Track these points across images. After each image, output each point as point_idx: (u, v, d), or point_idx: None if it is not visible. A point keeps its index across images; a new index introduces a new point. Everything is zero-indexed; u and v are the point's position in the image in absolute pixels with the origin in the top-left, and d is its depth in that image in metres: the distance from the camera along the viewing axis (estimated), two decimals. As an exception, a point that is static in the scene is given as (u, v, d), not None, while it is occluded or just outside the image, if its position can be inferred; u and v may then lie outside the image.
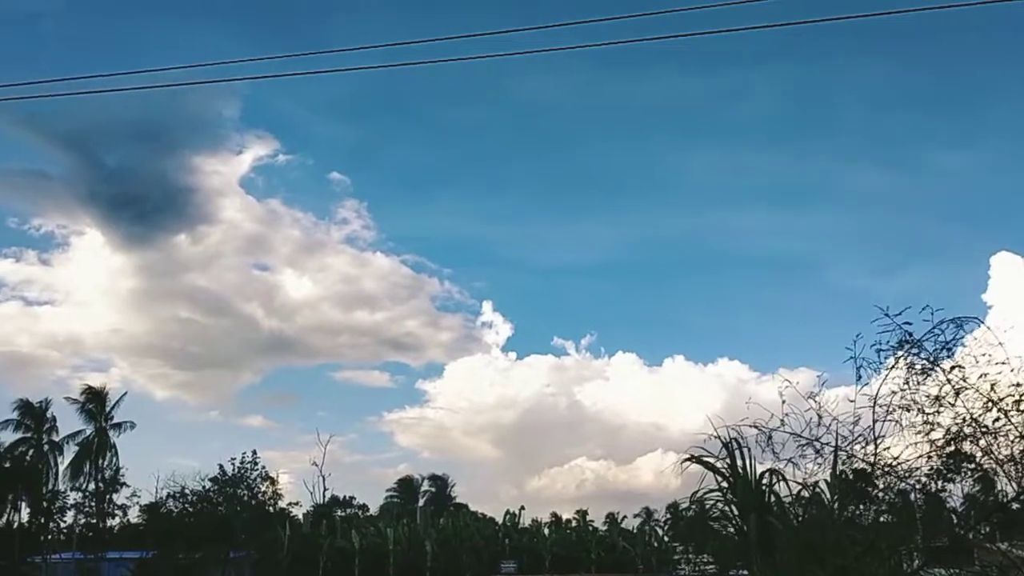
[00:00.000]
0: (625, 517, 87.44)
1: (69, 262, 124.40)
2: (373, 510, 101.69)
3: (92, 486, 69.34)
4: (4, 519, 66.26)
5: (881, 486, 12.86)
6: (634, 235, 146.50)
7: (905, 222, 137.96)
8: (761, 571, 13.59)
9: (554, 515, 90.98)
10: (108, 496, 69.09)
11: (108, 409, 71.46)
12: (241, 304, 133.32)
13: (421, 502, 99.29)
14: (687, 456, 14.47)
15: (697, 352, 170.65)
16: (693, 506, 15.62)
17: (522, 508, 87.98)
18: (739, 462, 14.19)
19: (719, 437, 14.21)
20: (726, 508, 14.73)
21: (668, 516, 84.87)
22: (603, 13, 12.19)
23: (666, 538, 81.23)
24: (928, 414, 11.71)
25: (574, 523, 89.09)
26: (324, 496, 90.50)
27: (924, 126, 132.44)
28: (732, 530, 15.03)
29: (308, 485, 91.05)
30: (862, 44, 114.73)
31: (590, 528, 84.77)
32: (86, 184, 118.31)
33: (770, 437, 13.10)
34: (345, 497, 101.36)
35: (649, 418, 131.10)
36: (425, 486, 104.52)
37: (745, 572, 15.35)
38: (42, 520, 67.98)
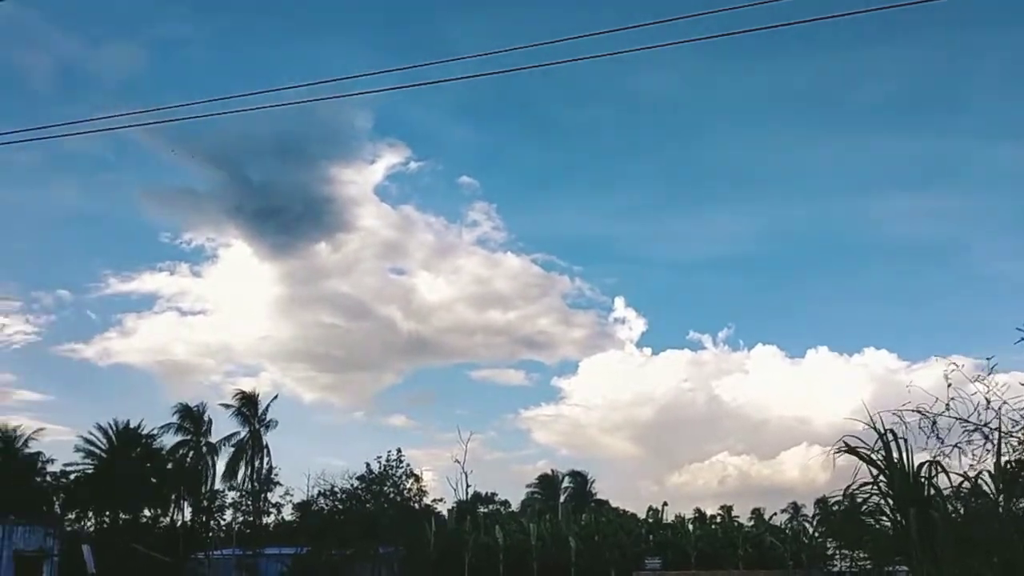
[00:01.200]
0: (775, 514, 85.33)
1: (218, 273, 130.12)
2: (515, 506, 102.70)
3: (248, 485, 72.52)
4: (169, 518, 70.07)
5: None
6: (766, 226, 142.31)
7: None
8: (921, 567, 12.97)
9: (698, 511, 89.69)
10: (263, 495, 72.09)
11: (260, 412, 74.68)
12: (380, 308, 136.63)
13: (562, 498, 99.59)
14: (839, 447, 13.92)
15: (841, 342, 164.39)
16: (845, 501, 15.05)
17: (665, 504, 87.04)
18: (895, 453, 13.57)
19: (873, 427, 13.62)
20: (881, 502, 14.12)
21: (817, 511, 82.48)
22: (718, 3, 11.95)
23: (816, 534, 78.81)
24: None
25: (719, 519, 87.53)
26: (467, 493, 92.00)
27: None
28: (888, 525, 14.40)
29: (451, 482, 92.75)
30: (992, 15, 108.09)
31: (735, 524, 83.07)
32: (232, 198, 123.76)
33: (934, 423, 12.50)
34: (487, 494, 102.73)
35: (792, 411, 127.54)
36: (566, 482, 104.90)
37: (903, 568, 14.70)
38: (203, 518, 71.48)
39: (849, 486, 13.93)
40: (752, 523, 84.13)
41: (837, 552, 78.83)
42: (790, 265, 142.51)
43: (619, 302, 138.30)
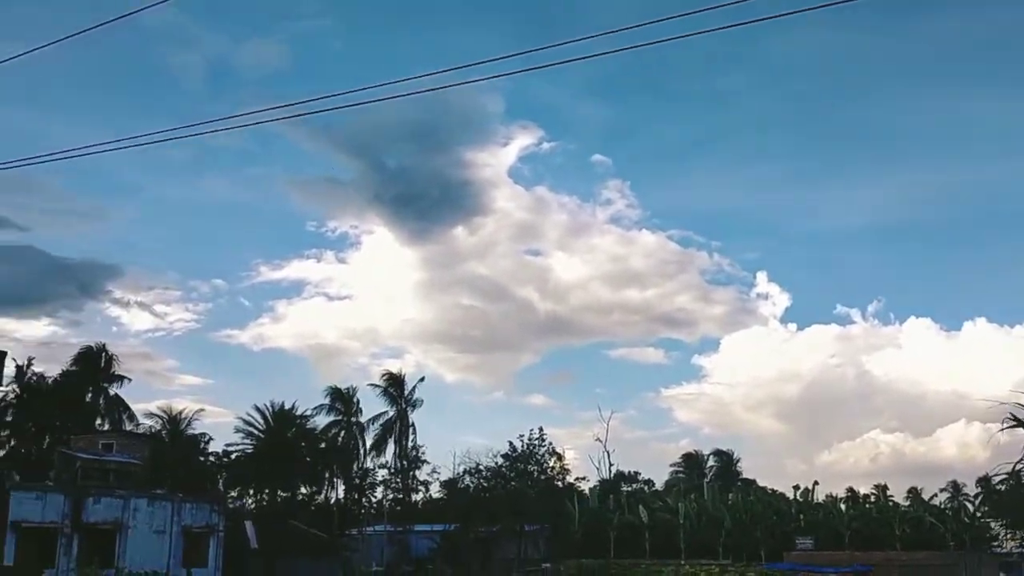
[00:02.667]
0: (935, 495, 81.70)
1: (362, 259, 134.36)
2: (658, 485, 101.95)
3: (396, 464, 74.45)
4: (323, 495, 72.66)
5: None
6: (920, 192, 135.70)
7: None
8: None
9: (850, 490, 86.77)
10: (411, 473, 73.84)
11: (407, 392, 76.51)
12: (516, 289, 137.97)
13: (707, 478, 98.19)
14: (1007, 421, 13.11)
15: (1002, 314, 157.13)
16: (1011, 478, 14.19)
17: (816, 483, 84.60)
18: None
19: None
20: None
21: (980, 490, 78.42)
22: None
23: (979, 513, 75.07)
24: None
25: (872, 498, 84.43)
26: (610, 472, 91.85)
27: None
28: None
29: (593, 460, 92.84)
30: None
31: (891, 504, 79.91)
32: (372, 186, 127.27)
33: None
34: (630, 472, 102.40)
35: (949, 386, 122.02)
36: (710, 461, 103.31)
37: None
38: (355, 495, 73.81)
39: (1018, 462, 13.13)
40: (909, 502, 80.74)
41: (1004, 532, 75.12)
42: (947, 232, 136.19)
43: (761, 277, 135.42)
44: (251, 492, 69.91)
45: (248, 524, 47.01)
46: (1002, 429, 12.16)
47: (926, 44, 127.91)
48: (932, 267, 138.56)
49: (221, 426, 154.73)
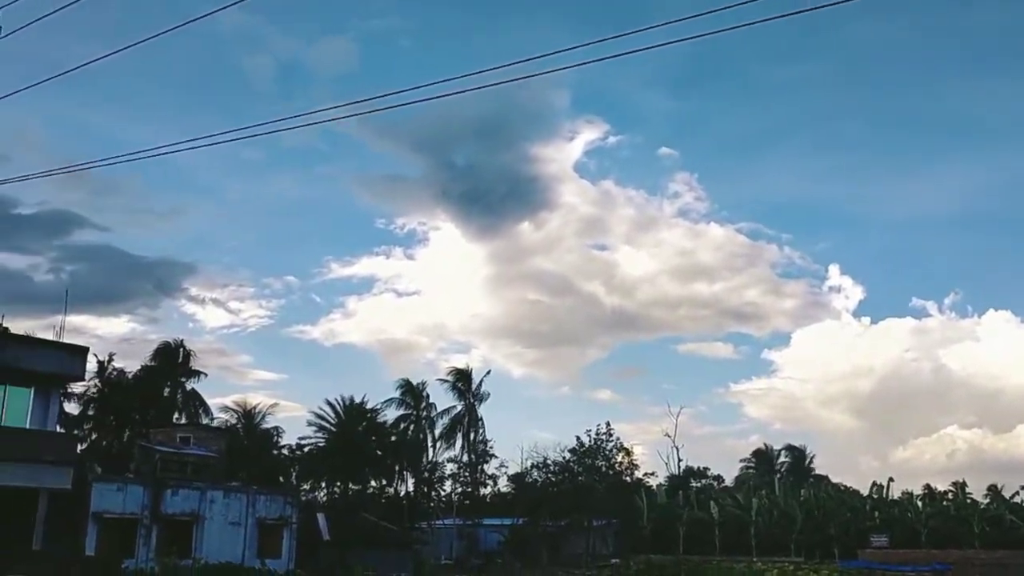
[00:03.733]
0: (1017, 493, 79.29)
1: (430, 256, 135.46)
2: (728, 481, 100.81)
3: (465, 458, 74.93)
4: (393, 488, 73.48)
5: None
6: (1001, 179, 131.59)
7: None
8: None
9: (927, 487, 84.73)
10: (480, 467, 74.26)
11: (474, 386, 76.92)
12: (583, 283, 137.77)
13: (778, 474, 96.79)
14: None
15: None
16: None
17: (891, 480, 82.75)
18: None
19: None
20: None
21: (1066, 488, 75.90)
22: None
23: (1064, 513, 72.67)
24: None
25: (950, 496, 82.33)
26: (679, 467, 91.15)
27: None
28: None
29: (661, 456, 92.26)
30: None
31: (969, 501, 77.82)
32: (439, 183, 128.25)
33: None
34: (699, 468, 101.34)
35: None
36: (782, 457, 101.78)
37: None
38: (425, 489, 74.49)
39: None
40: (988, 500, 78.49)
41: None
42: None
43: (833, 270, 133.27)
44: (323, 485, 71.08)
45: (320, 516, 47.76)
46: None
47: (1007, 28, 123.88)
48: (1011, 258, 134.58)
49: (294, 420, 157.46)
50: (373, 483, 71.78)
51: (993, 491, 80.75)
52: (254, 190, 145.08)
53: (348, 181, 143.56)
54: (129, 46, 19.12)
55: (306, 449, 69.86)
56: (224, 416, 69.10)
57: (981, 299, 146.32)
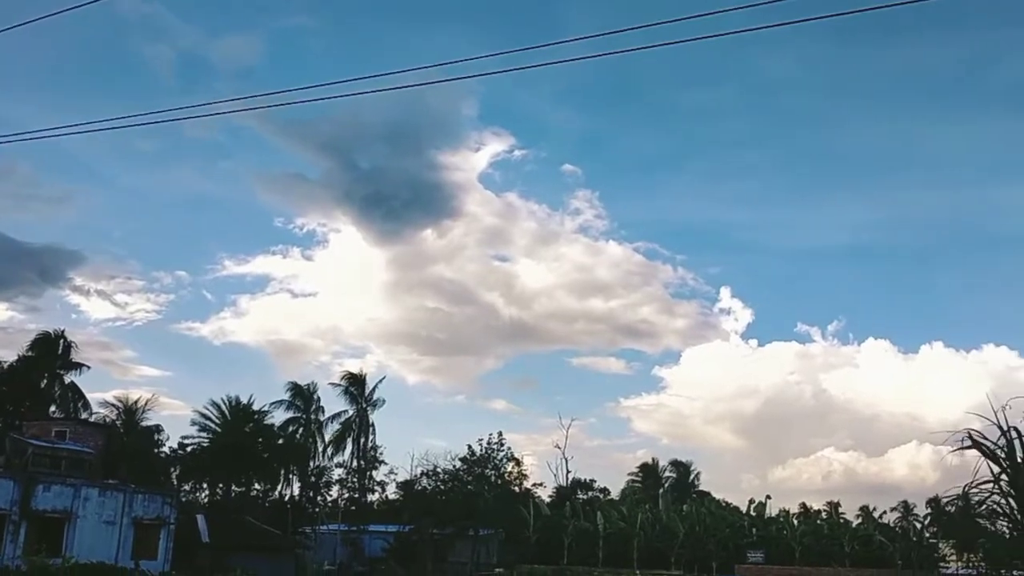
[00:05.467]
0: (884, 512, 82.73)
1: (329, 258, 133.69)
2: (614, 494, 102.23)
3: (354, 463, 74.12)
4: (278, 492, 72.15)
5: None
6: (886, 214, 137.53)
7: None
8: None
9: (803, 506, 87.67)
10: (368, 473, 73.56)
11: (368, 392, 76.19)
12: (483, 293, 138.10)
13: (663, 488, 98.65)
14: (961, 441, 13.33)
15: (958, 338, 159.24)
16: (960, 500, 14.42)
17: (768, 497, 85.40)
18: (1019, 452, 12.92)
19: (996, 423, 13.02)
20: (1002, 502, 13.48)
21: (930, 511, 79.50)
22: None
23: (927, 534, 76.12)
24: None
25: (824, 515, 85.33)
26: (567, 479, 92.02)
27: None
28: (1007, 527, 13.74)
29: (551, 467, 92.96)
30: None
31: (842, 521, 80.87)
32: (342, 184, 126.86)
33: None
34: (587, 480, 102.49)
35: (903, 408, 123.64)
36: (667, 472, 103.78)
37: (1020, 574, 14.02)
38: (311, 493, 73.37)
39: (968, 484, 13.35)
40: (860, 520, 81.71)
41: (951, 554, 76.18)
42: (910, 256, 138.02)
43: (725, 292, 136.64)
44: (205, 486, 69.34)
45: (200, 518, 46.60)
46: (953, 451, 12.41)
47: (905, 69, 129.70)
48: (893, 290, 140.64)
49: (178, 419, 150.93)
50: (257, 486, 70.40)
51: (864, 512, 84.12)
52: (149, 181, 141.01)
53: (248, 178, 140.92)
54: (16, 25, 18.40)
55: (189, 449, 67.98)
56: (104, 412, 66.85)
57: (862, 328, 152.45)
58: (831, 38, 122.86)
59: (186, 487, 66.58)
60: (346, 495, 73.14)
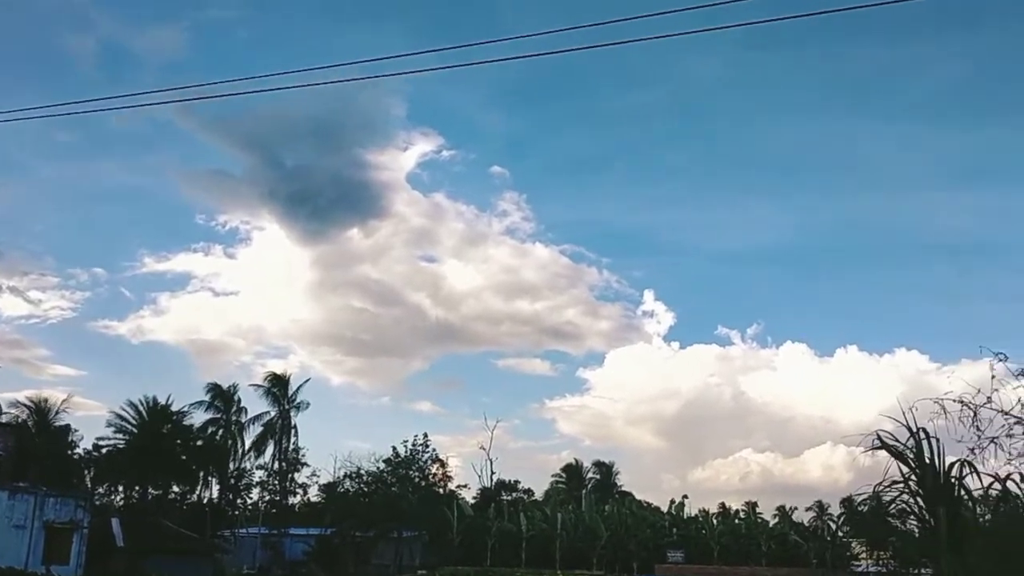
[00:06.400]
0: (795, 509, 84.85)
1: (252, 256, 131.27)
2: (538, 495, 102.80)
3: (276, 465, 73.16)
4: (197, 495, 70.80)
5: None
6: (807, 219, 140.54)
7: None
8: (950, 570, 12.77)
9: (722, 506, 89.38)
10: (290, 475, 72.68)
11: (291, 393, 75.26)
12: (409, 294, 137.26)
13: (586, 489, 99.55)
14: (872, 441, 13.73)
15: (872, 342, 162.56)
16: (872, 500, 14.87)
17: (685, 497, 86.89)
18: (926, 453, 13.39)
19: (906, 425, 13.46)
20: (910, 501, 13.94)
21: (843, 510, 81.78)
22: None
23: (840, 533, 78.22)
24: None
25: (742, 515, 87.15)
26: (491, 480, 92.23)
27: None
28: (916, 526, 14.22)
29: (476, 469, 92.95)
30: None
31: (759, 520, 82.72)
32: (266, 182, 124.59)
33: (975, 414, 12.33)
34: (510, 481, 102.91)
35: (818, 410, 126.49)
36: (591, 473, 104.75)
37: (929, 571, 14.51)
38: (231, 496, 72.17)
39: (879, 484, 13.77)
40: (777, 520, 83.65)
41: (863, 552, 78.56)
42: (828, 260, 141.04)
43: (648, 295, 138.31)
44: (120, 489, 67.64)
45: (115, 521, 45.54)
46: (865, 451, 12.84)
47: (829, 75, 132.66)
48: (811, 293, 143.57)
49: (93, 419, 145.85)
50: (175, 488, 68.94)
51: (781, 511, 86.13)
52: (67, 174, 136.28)
53: (171, 173, 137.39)
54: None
55: (104, 451, 66.24)
56: (15, 412, 64.60)
57: (780, 331, 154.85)
58: (758, 43, 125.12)
59: (100, 490, 64.89)
60: (267, 498, 72.15)
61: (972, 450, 12.99)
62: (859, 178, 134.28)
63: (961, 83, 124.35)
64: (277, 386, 75.19)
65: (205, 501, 70.13)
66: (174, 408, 68.16)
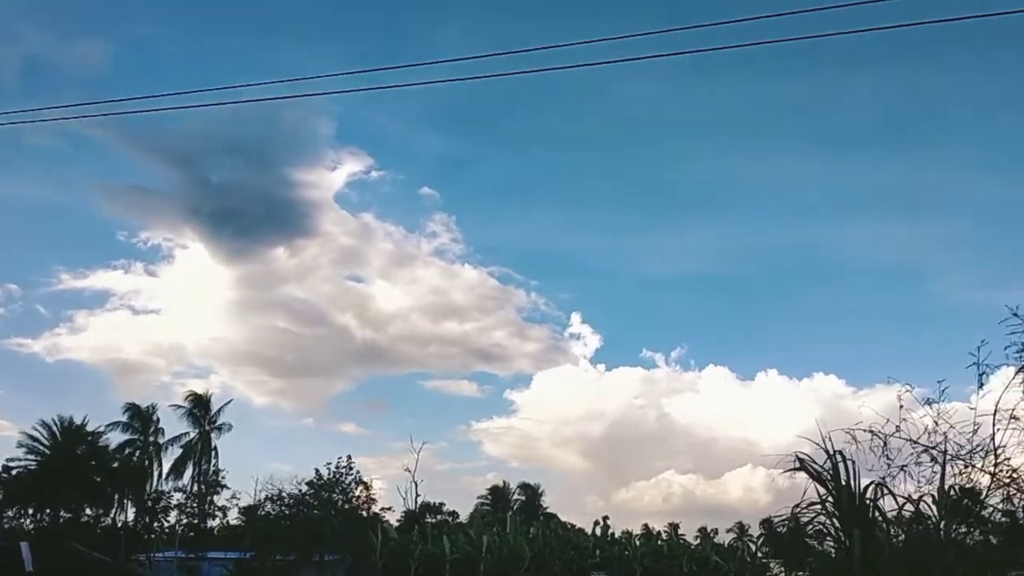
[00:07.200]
0: (717, 532, 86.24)
1: (174, 274, 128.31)
2: (463, 517, 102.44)
3: (195, 488, 71.57)
4: (111, 518, 68.90)
5: (997, 501, 12.38)
6: (730, 246, 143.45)
7: (1019, 234, 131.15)
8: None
9: (645, 527, 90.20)
10: (209, 498, 71.19)
11: (211, 414, 73.80)
12: (336, 315, 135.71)
13: (511, 511, 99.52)
14: (792, 463, 14.05)
15: (792, 366, 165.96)
16: (790, 521, 15.20)
17: (605, 517, 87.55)
18: (843, 474, 13.76)
19: (823, 447, 13.82)
20: (827, 522, 14.29)
21: (762, 531, 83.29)
22: (695, 19, 12.03)
23: (759, 554, 79.60)
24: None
25: (664, 536, 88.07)
26: (416, 503, 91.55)
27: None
28: (832, 546, 14.57)
29: (400, 491, 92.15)
30: (971, 45, 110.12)
31: (681, 541, 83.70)
32: (191, 199, 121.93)
33: (885, 442, 12.73)
34: (435, 503, 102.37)
35: (739, 433, 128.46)
36: (516, 495, 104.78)
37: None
38: (147, 519, 70.37)
39: (796, 505, 14.09)
40: (698, 541, 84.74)
41: (781, 573, 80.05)
42: (750, 286, 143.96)
43: (575, 317, 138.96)
44: (31, 512, 65.46)
45: (24, 545, 43.88)
46: (783, 473, 13.16)
47: (752, 106, 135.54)
48: (732, 318, 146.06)
49: (4, 440, 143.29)
50: (89, 511, 66.99)
51: (703, 533, 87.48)
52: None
53: (91, 189, 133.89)
54: None
55: (14, 472, 64.08)
56: (-81, 432, 62.27)
57: (703, 355, 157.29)
58: (686, 73, 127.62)
59: (10, 512, 62.70)
60: (185, 521, 70.52)
61: (883, 479, 13.43)
62: (779, 206, 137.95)
63: (880, 115, 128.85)
64: (198, 407, 73.72)
65: (120, 524, 68.33)
66: (89, 428, 66.65)
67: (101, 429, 67.78)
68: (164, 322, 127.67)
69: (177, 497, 70.76)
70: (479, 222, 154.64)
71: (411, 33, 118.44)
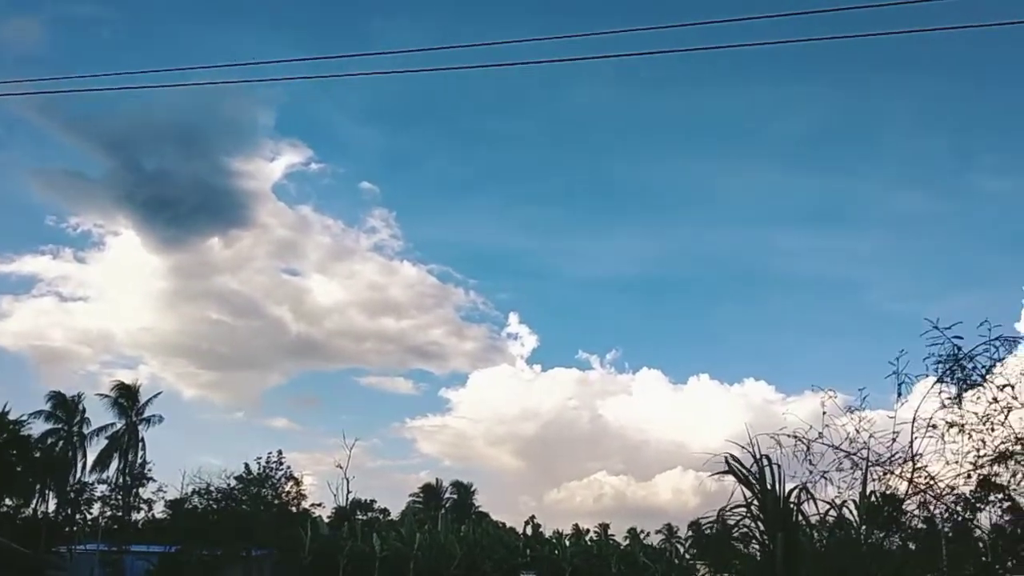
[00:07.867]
0: (647, 533, 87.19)
1: (104, 261, 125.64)
2: (394, 515, 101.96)
3: (120, 480, 70.07)
4: (32, 509, 67.10)
5: (914, 507, 12.71)
6: (667, 250, 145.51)
7: (948, 247, 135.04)
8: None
9: (576, 527, 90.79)
10: (134, 490, 69.79)
11: (140, 405, 72.26)
12: (270, 307, 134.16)
13: (443, 509, 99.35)
14: (721, 465, 14.25)
15: (723, 371, 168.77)
16: (717, 523, 15.40)
17: (532, 518, 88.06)
18: (768, 478, 13.98)
19: (750, 451, 14.05)
20: (752, 525, 14.51)
21: (690, 533, 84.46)
22: (644, 23, 12.12)
23: (687, 555, 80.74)
24: (975, 431, 11.63)
25: (595, 536, 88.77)
26: (347, 499, 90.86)
27: (969, 149, 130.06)
28: (757, 549, 14.81)
29: (331, 487, 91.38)
30: (906, 62, 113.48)
31: (611, 542, 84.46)
32: (124, 186, 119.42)
33: (808, 447, 12.98)
34: (366, 500, 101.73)
35: (670, 435, 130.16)
36: (449, 493, 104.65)
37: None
38: (68, 511, 68.69)
39: (723, 508, 14.28)
40: (628, 542, 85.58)
41: (707, 572, 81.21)
42: (686, 291, 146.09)
43: (513, 317, 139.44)
44: (-54, 502, 63.46)
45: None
46: (711, 475, 13.32)
47: (695, 114, 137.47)
48: (666, 323, 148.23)
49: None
50: (9, 502, 65.09)
51: (632, 534, 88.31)
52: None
53: (20, 172, 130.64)
54: None
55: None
56: None
57: (637, 357, 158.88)
58: (631, 78, 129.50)
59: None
60: (108, 513, 68.98)
61: (807, 484, 13.70)
62: (715, 214, 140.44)
63: (816, 129, 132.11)
64: (125, 397, 72.03)
65: (41, 516, 66.58)
66: (11, 417, 64.55)
67: (24, 418, 65.83)
68: (92, 310, 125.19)
69: (101, 489, 69.31)
70: (419, 219, 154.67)
71: (361, 24, 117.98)
